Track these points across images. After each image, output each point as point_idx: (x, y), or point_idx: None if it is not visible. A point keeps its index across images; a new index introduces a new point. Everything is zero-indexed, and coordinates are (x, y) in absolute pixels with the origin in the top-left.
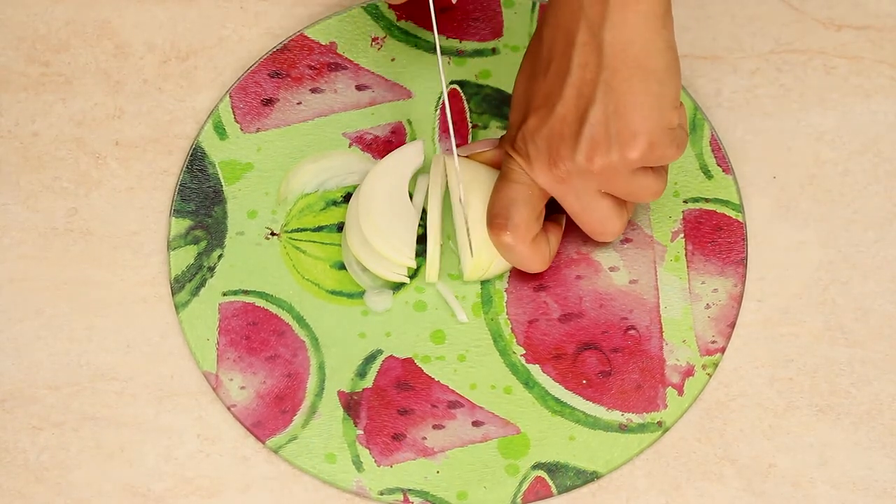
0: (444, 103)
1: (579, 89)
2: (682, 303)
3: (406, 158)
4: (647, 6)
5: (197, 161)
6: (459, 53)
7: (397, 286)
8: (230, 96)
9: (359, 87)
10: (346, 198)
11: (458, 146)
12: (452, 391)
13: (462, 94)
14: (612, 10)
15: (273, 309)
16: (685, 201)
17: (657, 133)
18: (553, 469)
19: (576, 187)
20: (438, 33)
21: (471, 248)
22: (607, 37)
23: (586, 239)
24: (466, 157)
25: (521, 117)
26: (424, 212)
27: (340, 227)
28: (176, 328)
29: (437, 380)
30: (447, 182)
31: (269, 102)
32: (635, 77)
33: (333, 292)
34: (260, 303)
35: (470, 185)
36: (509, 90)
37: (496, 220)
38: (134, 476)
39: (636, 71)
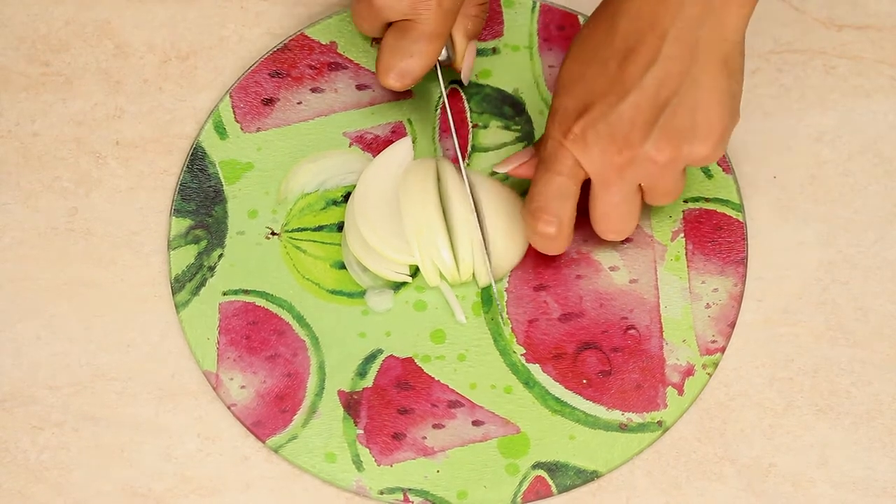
0: (446, 112)
1: (662, 80)
2: (683, 302)
3: (397, 156)
4: (747, 10)
5: (197, 161)
6: None
7: (398, 286)
8: (230, 96)
9: (359, 87)
10: (346, 197)
11: (493, 165)
12: (452, 391)
13: (462, 94)
14: (714, 8)
15: (273, 308)
16: (685, 201)
17: (729, 131)
18: (553, 468)
19: (627, 178)
20: None
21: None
22: (704, 33)
23: (587, 238)
24: (506, 172)
25: (576, 103)
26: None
27: (340, 227)
28: (176, 328)
29: (437, 379)
30: (441, 188)
31: (269, 102)
32: (721, 75)
33: (334, 292)
34: (260, 302)
35: (465, 193)
36: (510, 90)
37: (543, 214)
38: (134, 476)
39: (723, 68)
